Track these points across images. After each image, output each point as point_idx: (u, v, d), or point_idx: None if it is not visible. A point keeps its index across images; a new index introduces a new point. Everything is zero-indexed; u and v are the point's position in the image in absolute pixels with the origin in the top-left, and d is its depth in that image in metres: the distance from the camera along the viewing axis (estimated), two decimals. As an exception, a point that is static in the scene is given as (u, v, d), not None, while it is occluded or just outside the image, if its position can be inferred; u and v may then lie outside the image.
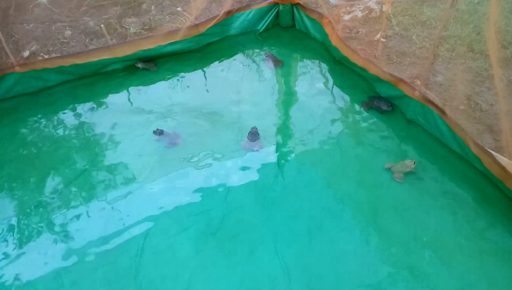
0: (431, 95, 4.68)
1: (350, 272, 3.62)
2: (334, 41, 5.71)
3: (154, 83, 5.65)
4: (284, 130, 4.95)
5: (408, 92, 4.74)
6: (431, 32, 5.90)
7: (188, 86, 5.59)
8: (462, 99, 4.86)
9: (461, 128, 4.26)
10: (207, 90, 5.54)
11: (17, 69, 5.28)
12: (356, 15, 6.43)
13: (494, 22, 3.78)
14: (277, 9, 6.42)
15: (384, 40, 5.84)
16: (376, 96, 5.18)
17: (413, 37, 5.91)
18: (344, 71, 5.70)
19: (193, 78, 5.74)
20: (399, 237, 3.84)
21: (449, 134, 4.44)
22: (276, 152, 4.66)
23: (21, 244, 3.90)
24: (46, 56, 5.75)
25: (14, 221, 4.08)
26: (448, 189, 4.21)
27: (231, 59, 6.05)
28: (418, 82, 4.88)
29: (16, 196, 4.30)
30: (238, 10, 6.28)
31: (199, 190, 4.28)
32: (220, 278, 3.59)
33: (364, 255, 3.72)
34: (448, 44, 5.63)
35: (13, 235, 3.96)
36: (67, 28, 6.32)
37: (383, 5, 6.32)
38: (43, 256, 3.79)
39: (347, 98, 5.32)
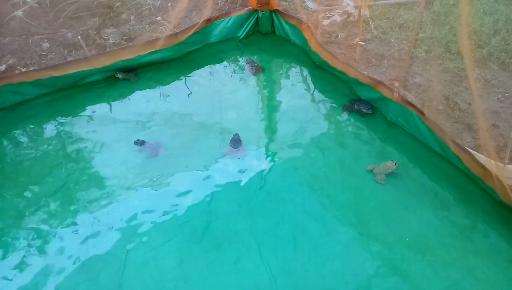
0: (410, 97, 4.74)
1: (335, 275, 3.61)
2: (313, 46, 5.75)
3: (134, 93, 5.59)
4: (266, 135, 4.95)
5: (388, 94, 4.80)
6: (408, 34, 5.99)
7: (170, 95, 5.56)
8: (441, 99, 4.93)
9: (440, 128, 4.32)
10: (188, 99, 5.51)
11: (-7, 83, 5.18)
12: (335, 20, 6.50)
13: (467, 24, 3.85)
14: (256, 15, 6.45)
15: (363, 43, 5.91)
16: (357, 99, 5.23)
17: (392, 40, 5.99)
18: (325, 75, 5.74)
19: (174, 87, 5.71)
20: (383, 238, 3.85)
21: (429, 134, 4.49)
22: (259, 158, 4.65)
23: None
24: (23, 69, 5.66)
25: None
26: (429, 189, 4.26)
27: (212, 66, 6.04)
28: (397, 84, 4.94)
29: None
30: (217, 18, 6.28)
31: (182, 199, 4.24)
32: (205, 288, 3.54)
33: (349, 257, 3.73)
34: (426, 45, 5.73)
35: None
36: (45, 40, 6.24)
37: (361, 9, 6.41)
38: (21, 272, 3.69)
39: (328, 102, 5.35)
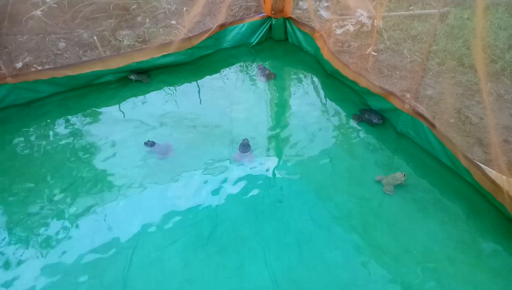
0: (421, 108, 4.72)
1: (339, 285, 3.59)
2: (325, 54, 5.77)
3: (146, 94, 5.66)
4: (275, 142, 4.96)
5: (399, 105, 4.78)
6: (421, 46, 5.98)
7: (181, 98, 5.61)
8: (452, 113, 4.90)
9: (450, 141, 4.29)
10: (199, 102, 5.55)
11: (9, 80, 5.28)
12: (348, 29, 6.51)
13: (482, 38, 3.84)
14: (270, 23, 6.50)
15: (375, 54, 5.91)
16: (367, 109, 5.22)
17: (404, 51, 5.98)
18: (336, 84, 5.74)
19: (186, 90, 5.77)
20: (389, 249, 3.82)
21: (439, 147, 4.46)
22: (267, 164, 4.66)
23: (7, 256, 3.84)
24: (39, 68, 5.76)
25: (0, 232, 4.03)
26: (438, 202, 4.22)
27: (224, 71, 6.09)
28: (408, 95, 4.92)
29: (4, 208, 4.26)
30: (231, 23, 6.34)
31: (189, 202, 4.26)
32: (208, 291, 3.55)
33: (354, 267, 3.70)
34: (438, 58, 5.71)
35: (-1, 247, 3.91)
36: (61, 40, 6.34)
37: (375, 20, 6.41)
38: (29, 268, 3.74)
39: (339, 110, 5.35)
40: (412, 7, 6.87)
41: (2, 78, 5.24)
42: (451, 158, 4.38)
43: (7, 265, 3.77)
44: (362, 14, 6.62)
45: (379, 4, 6.35)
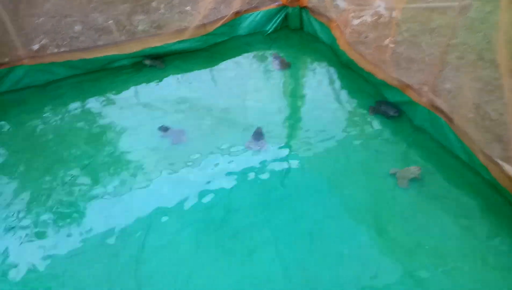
0: (439, 102, 4.63)
1: (350, 276, 3.57)
2: (342, 45, 5.69)
3: (161, 80, 5.66)
4: (289, 131, 4.93)
5: (416, 98, 4.71)
6: (440, 39, 5.87)
7: (195, 85, 5.60)
8: (470, 108, 4.80)
9: (468, 136, 4.21)
10: (213, 89, 5.54)
11: (26, 62, 5.31)
12: (365, 20, 6.42)
13: (505, 32, 3.75)
14: (285, 11, 6.43)
15: (392, 45, 5.82)
16: (383, 101, 5.15)
17: (422, 44, 5.88)
18: (352, 75, 5.68)
19: (200, 76, 5.75)
20: (402, 243, 3.78)
21: (456, 142, 4.39)
22: (280, 153, 4.64)
23: (20, 234, 3.89)
24: (55, 50, 5.79)
25: (17, 210, 4.08)
26: (453, 197, 4.16)
27: (239, 59, 6.05)
28: (426, 89, 4.84)
29: (21, 186, 4.31)
30: (246, 11, 6.29)
31: (202, 187, 4.26)
32: (219, 275, 3.55)
33: (365, 259, 3.67)
34: (458, 51, 5.60)
35: (14, 226, 3.95)
36: (77, 23, 6.36)
37: (393, 11, 6.30)
38: (43, 245, 3.79)
39: (354, 102, 5.29)
40: (432, -1, 6.75)
41: (19, 60, 5.28)
42: (468, 154, 4.30)
43: (20, 242, 3.82)
44: (379, 5, 6.52)
45: (398, -5, 6.23)
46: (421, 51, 5.77)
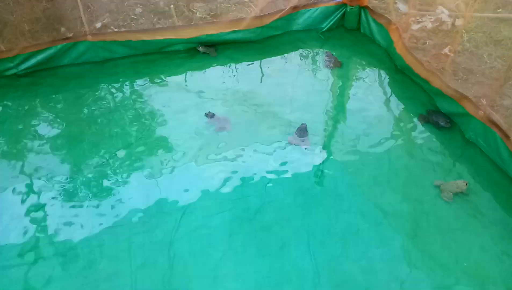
0: (497, 117, 4.40)
1: (380, 283, 3.51)
2: (399, 49, 5.54)
3: (212, 67, 5.78)
4: (333, 131, 4.89)
5: (471, 111, 4.51)
6: (505, 52, 5.55)
7: (244, 75, 5.67)
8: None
9: (524, 156, 3.99)
10: (261, 81, 5.58)
11: (89, 38, 5.61)
12: (425, 26, 6.18)
13: None
14: (344, 10, 6.33)
15: (452, 54, 5.57)
16: (435, 111, 4.97)
17: (484, 56, 5.59)
18: (405, 80, 5.52)
19: (250, 68, 5.81)
20: (439, 257, 3.66)
21: (510, 160, 4.16)
22: (322, 151, 4.61)
23: (68, 203, 4.11)
24: (116, 30, 6.06)
25: (64, 180, 4.31)
26: (499, 218, 3.96)
27: (290, 54, 6.05)
28: (484, 102, 4.61)
29: (70, 157, 4.57)
30: (304, 6, 6.25)
31: (240, 176, 4.33)
32: (249, 264, 3.61)
33: (398, 269, 3.60)
34: (523, 67, 5.27)
35: (61, 194, 4.18)
36: (139, 5, 6.60)
37: (456, 19, 6.02)
38: (88, 214, 4.01)
39: (404, 108, 5.15)
40: (500, 10, 6.37)
41: (84, 35, 5.59)
42: (521, 174, 4.08)
43: (67, 210, 4.05)
44: (442, 12, 6.25)
45: (464, 3, 5.94)
46: (482, 63, 5.48)
